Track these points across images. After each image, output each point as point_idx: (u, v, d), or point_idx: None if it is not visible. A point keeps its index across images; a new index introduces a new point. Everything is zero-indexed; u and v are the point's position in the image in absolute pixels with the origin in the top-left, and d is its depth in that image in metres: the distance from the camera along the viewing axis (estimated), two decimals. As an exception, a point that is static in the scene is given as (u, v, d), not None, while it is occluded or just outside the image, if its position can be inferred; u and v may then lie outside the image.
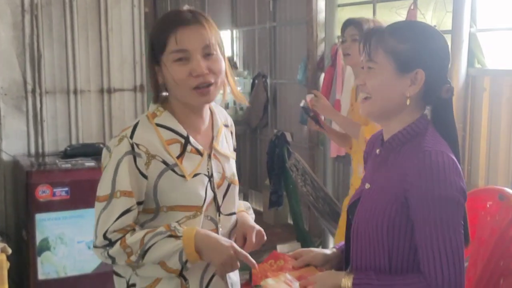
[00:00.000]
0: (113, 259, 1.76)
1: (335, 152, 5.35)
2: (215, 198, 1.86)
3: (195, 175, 1.81)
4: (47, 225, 3.81)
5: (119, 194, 1.73)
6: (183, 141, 1.81)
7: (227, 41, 7.70)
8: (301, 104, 3.35)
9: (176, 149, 1.80)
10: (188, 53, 1.77)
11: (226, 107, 6.89)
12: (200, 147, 1.84)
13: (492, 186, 3.44)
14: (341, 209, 4.35)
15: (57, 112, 4.43)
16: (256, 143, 6.81)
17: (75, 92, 4.47)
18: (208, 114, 1.91)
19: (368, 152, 1.86)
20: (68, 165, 3.95)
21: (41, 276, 3.83)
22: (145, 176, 1.76)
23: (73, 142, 4.45)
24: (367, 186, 1.73)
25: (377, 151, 1.76)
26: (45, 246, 3.83)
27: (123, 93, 4.63)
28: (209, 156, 1.87)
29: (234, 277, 1.98)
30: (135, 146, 1.75)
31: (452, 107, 1.70)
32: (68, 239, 3.86)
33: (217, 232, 1.86)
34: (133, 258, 1.73)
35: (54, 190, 3.79)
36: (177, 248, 1.73)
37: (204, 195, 1.81)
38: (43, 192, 3.79)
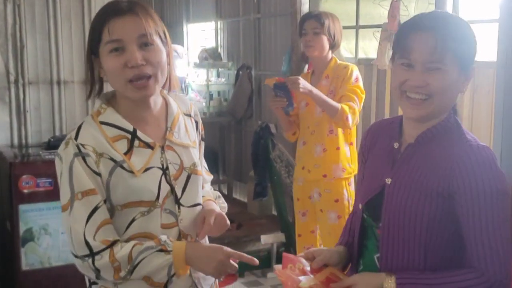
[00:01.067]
0: (98, 273, 1.70)
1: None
2: (172, 190, 1.82)
3: (146, 169, 1.76)
4: (31, 216, 3.80)
5: (81, 196, 1.69)
6: (129, 136, 1.77)
7: (211, 32, 7.68)
8: (273, 82, 3.42)
9: (123, 145, 1.75)
10: (122, 42, 1.71)
11: (211, 98, 6.89)
12: (149, 140, 1.79)
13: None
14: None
15: (40, 103, 4.41)
16: (241, 135, 6.81)
17: (58, 82, 4.45)
18: (159, 105, 1.85)
19: (370, 145, 1.84)
20: (52, 156, 3.93)
21: (25, 266, 3.83)
22: (98, 174, 1.72)
23: (57, 133, 4.44)
24: (388, 181, 1.70)
25: (395, 144, 1.74)
26: (29, 237, 3.82)
27: (106, 83, 4.60)
28: (163, 148, 1.82)
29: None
30: (80, 147, 1.71)
31: None
32: (52, 230, 3.86)
33: (177, 225, 1.82)
34: (122, 274, 1.70)
35: (38, 181, 3.79)
36: (167, 262, 1.71)
37: (157, 190, 1.77)
38: (26, 183, 3.78)
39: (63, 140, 1.77)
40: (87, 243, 1.68)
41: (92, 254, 1.68)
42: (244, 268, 4.87)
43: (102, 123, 1.76)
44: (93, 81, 1.81)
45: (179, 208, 1.83)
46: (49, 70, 4.42)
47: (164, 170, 1.80)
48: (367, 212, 1.77)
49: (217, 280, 1.97)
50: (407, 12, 4.39)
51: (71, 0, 4.44)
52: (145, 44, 1.73)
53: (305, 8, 5.50)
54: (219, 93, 7.20)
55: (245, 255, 1.80)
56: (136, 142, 1.77)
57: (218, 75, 7.26)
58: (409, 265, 1.64)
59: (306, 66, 5.55)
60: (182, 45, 8.06)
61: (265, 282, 4.81)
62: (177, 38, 8.47)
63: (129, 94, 1.75)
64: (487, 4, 3.86)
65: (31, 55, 4.35)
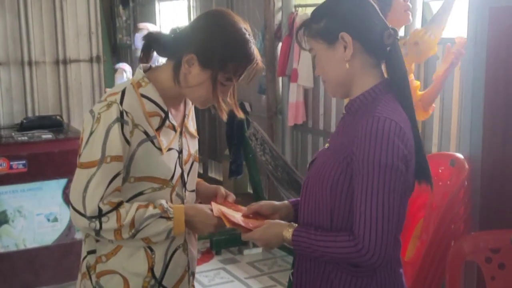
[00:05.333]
0: (99, 232, 1.75)
1: (292, 121, 5.40)
2: (182, 174, 1.91)
3: (169, 149, 1.84)
4: (5, 198, 3.78)
5: (110, 159, 1.73)
6: (163, 115, 1.83)
7: (183, 10, 7.62)
8: None
9: (155, 121, 1.82)
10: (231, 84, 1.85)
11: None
12: (175, 123, 1.88)
13: (444, 152, 3.54)
14: (300, 177, 4.41)
15: (11, 84, 4.36)
16: (215, 113, 6.80)
17: (29, 63, 4.39)
18: None
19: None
20: (25, 138, 3.91)
21: (0, 249, 3.81)
22: (129, 143, 1.76)
23: (29, 114, 4.39)
24: (327, 145, 1.81)
25: (343, 115, 1.82)
26: (3, 219, 3.80)
27: (79, 64, 4.57)
28: (181, 133, 1.91)
29: (194, 252, 2.03)
30: (124, 113, 1.75)
31: (400, 52, 1.76)
32: (27, 212, 3.84)
33: None
34: (125, 236, 1.76)
35: (11, 163, 3.75)
36: (168, 228, 1.80)
37: (173, 170, 1.85)
38: (-1, 165, 3.75)
39: (102, 101, 1.78)
40: (98, 206, 1.73)
41: (100, 215, 1.73)
42: (221, 246, 4.91)
43: (142, 95, 1.81)
44: (177, 68, 1.82)
45: (185, 191, 1.93)
46: (19, 50, 4.36)
47: (179, 153, 1.89)
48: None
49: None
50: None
51: (41, -21, 4.37)
52: None
53: (279, -14, 5.49)
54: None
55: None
56: (166, 123, 1.85)
57: (192, 54, 7.21)
58: (319, 224, 1.73)
59: (279, 44, 5.55)
60: (155, 23, 8.00)
61: (242, 259, 4.86)
62: (150, 16, 8.40)
63: (193, 103, 1.95)
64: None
65: (1, 36, 4.29)
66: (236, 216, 1.86)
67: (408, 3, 3.01)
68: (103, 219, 1.73)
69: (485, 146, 2.75)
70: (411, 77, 3.17)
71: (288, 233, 1.71)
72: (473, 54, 2.75)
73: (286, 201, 1.96)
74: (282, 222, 1.80)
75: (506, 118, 2.68)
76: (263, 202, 1.93)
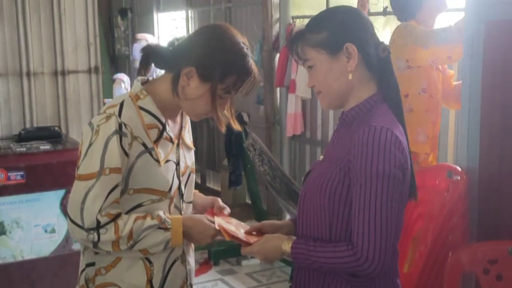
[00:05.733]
0: (97, 244, 1.76)
1: (291, 132, 5.41)
2: (179, 185, 1.92)
3: (166, 161, 1.86)
4: (3, 209, 3.76)
5: (108, 171, 1.74)
6: (161, 127, 1.85)
7: (182, 22, 7.65)
8: None
9: (153, 134, 1.83)
10: (230, 97, 1.87)
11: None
12: (172, 135, 1.89)
13: (441, 163, 3.55)
14: (298, 187, 4.41)
15: (10, 95, 4.35)
16: (213, 124, 6.82)
17: (28, 74, 4.39)
18: None
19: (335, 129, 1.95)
20: (23, 149, 3.90)
21: (-3, 260, 3.80)
22: (127, 155, 1.78)
23: (27, 125, 4.39)
24: (321, 158, 1.82)
25: (336, 126, 1.84)
26: (1, 231, 3.78)
27: (77, 75, 4.57)
28: (178, 145, 1.92)
29: (192, 263, 2.04)
30: (122, 126, 1.76)
31: (391, 66, 1.78)
32: (25, 223, 3.82)
33: None
34: (122, 247, 1.76)
35: (9, 174, 3.75)
36: (166, 239, 1.81)
37: (171, 181, 1.86)
38: (-3, 177, 3.74)
39: (101, 114, 1.80)
40: (96, 218, 1.73)
41: (98, 227, 1.74)
42: (219, 257, 4.91)
43: (141, 108, 1.82)
44: (175, 80, 1.84)
45: (182, 203, 1.95)
46: (18, 62, 4.36)
47: (177, 165, 1.90)
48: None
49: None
50: (376, 0, 4.44)
51: (40, -9, 4.38)
52: None
53: (276, -3, 5.53)
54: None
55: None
56: (164, 134, 1.86)
57: (190, 64, 7.23)
58: (317, 236, 1.73)
59: (277, 55, 5.58)
60: (153, 34, 8.02)
61: (240, 270, 4.85)
62: (148, 27, 8.42)
63: (189, 116, 1.96)
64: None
65: (0, 47, 4.30)
66: (237, 231, 1.86)
67: None
68: (101, 230, 1.74)
69: (482, 158, 2.76)
70: (445, 65, 3.18)
71: (286, 246, 1.72)
72: (470, 66, 2.76)
73: (287, 220, 1.98)
74: (281, 235, 1.80)
75: (503, 130, 2.69)
76: (265, 222, 1.94)
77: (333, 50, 1.71)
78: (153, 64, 1.93)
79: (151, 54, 1.89)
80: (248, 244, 1.80)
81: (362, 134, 1.62)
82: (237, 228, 1.89)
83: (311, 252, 1.68)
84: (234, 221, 1.97)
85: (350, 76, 1.71)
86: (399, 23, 3.24)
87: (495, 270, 2.56)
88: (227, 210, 2.03)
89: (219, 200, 2.06)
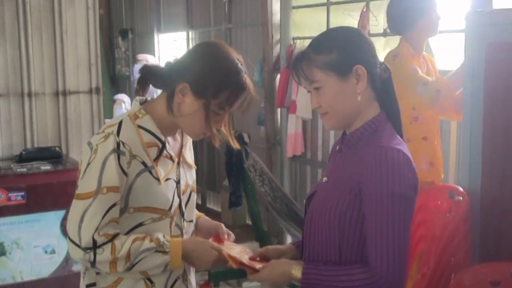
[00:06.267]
0: (94, 264, 1.76)
1: (291, 152, 5.41)
2: (180, 204, 1.92)
3: (167, 179, 1.86)
4: (3, 230, 3.75)
5: (106, 190, 1.74)
6: (160, 145, 1.85)
7: (182, 42, 7.68)
8: None
9: (153, 152, 1.83)
10: (227, 113, 1.85)
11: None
12: (173, 154, 1.89)
13: (443, 184, 3.54)
14: (299, 208, 4.40)
15: (11, 116, 4.36)
16: (214, 144, 6.81)
17: (29, 94, 4.41)
18: None
19: (333, 150, 1.93)
20: (24, 169, 3.90)
21: (-3, 282, 3.78)
22: (126, 174, 1.78)
23: (28, 145, 4.39)
24: (325, 179, 1.80)
25: (337, 147, 1.83)
26: (1, 251, 3.77)
27: (78, 95, 4.59)
28: (178, 163, 1.92)
29: (194, 282, 2.03)
30: (121, 144, 1.76)
31: (393, 85, 1.79)
32: (25, 244, 3.81)
33: (182, 238, 1.92)
34: (120, 269, 1.76)
35: (10, 194, 3.74)
36: (164, 262, 1.80)
37: (171, 200, 1.86)
38: (-2, 197, 3.74)
39: (100, 133, 1.80)
40: (93, 237, 1.73)
41: (95, 247, 1.73)
42: (220, 278, 4.87)
43: (139, 127, 1.83)
44: (170, 98, 1.84)
45: (183, 221, 1.94)
46: (19, 82, 4.37)
47: (177, 183, 1.90)
48: (308, 208, 1.86)
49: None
50: (377, 22, 4.46)
51: (42, 11, 4.40)
52: None
53: (277, 18, 5.56)
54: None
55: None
56: (164, 152, 1.86)
57: (190, 85, 7.25)
58: (326, 258, 1.72)
59: (278, 76, 5.59)
60: (153, 55, 8.06)
61: (240, 291, 4.83)
62: (149, 47, 8.46)
63: (187, 134, 1.94)
64: (454, 15, 3.94)
65: (1, 67, 4.31)
66: (241, 258, 1.84)
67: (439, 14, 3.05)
68: (98, 250, 1.74)
69: (484, 179, 2.76)
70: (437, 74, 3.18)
71: (296, 271, 1.70)
72: (471, 88, 2.77)
73: (289, 244, 1.97)
74: (288, 260, 1.79)
75: (504, 151, 2.70)
76: (269, 247, 1.93)
77: (342, 72, 1.69)
78: (151, 86, 1.95)
79: (149, 74, 1.91)
80: (255, 270, 1.78)
81: (374, 155, 1.62)
82: (241, 254, 1.88)
83: (324, 276, 1.67)
84: (238, 247, 1.95)
85: (359, 98, 1.70)
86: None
87: (498, 292, 2.55)
88: (232, 236, 2.02)
89: (223, 226, 2.04)
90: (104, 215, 1.74)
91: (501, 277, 2.57)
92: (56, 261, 3.89)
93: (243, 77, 1.82)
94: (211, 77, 1.78)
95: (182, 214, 1.94)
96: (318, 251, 1.74)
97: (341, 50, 1.70)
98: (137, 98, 1.91)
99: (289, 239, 5.13)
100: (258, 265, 1.81)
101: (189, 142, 2.03)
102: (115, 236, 1.76)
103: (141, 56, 7.24)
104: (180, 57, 1.91)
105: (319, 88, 1.73)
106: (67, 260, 3.89)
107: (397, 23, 3.13)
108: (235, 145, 1.95)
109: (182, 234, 1.93)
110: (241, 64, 1.84)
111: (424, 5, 3.04)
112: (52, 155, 4.20)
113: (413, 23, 3.04)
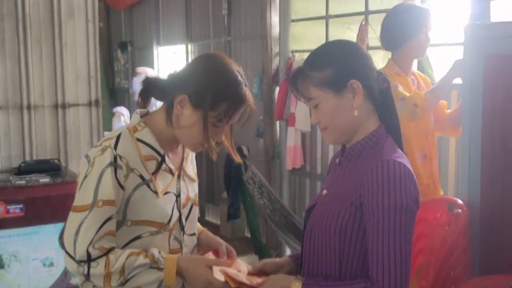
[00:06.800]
0: (88, 277, 1.76)
1: (290, 165, 5.41)
2: (180, 218, 1.91)
3: (166, 193, 1.85)
4: (1, 243, 3.74)
5: (101, 204, 1.74)
6: (159, 159, 1.85)
7: (182, 55, 7.71)
8: None
9: (152, 165, 1.83)
10: (225, 124, 1.84)
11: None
12: (172, 167, 1.89)
13: (442, 196, 3.54)
14: (298, 221, 4.39)
15: (10, 128, 4.37)
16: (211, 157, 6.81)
17: (28, 107, 4.41)
18: None
19: (332, 163, 1.93)
20: (23, 182, 3.90)
21: (-6, 295, 3.76)
22: (122, 188, 1.77)
23: (27, 158, 4.39)
24: (324, 192, 1.80)
25: (337, 160, 1.84)
26: (-1, 264, 3.77)
27: (77, 108, 4.59)
28: (178, 176, 1.92)
29: None
30: (117, 158, 1.76)
31: (392, 96, 1.79)
32: (23, 256, 3.80)
33: (180, 252, 1.91)
34: (113, 284, 1.75)
35: (8, 207, 3.73)
36: (158, 279, 1.79)
37: (170, 213, 1.85)
38: (-4, 210, 3.73)
39: (97, 146, 1.80)
40: (87, 250, 1.73)
41: (89, 260, 1.73)
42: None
43: (138, 140, 1.83)
44: (169, 109, 1.85)
45: (183, 235, 1.93)
46: (19, 94, 4.38)
47: (177, 197, 1.90)
48: (307, 221, 1.85)
49: None
50: (375, 35, 4.47)
51: (42, 25, 4.42)
52: None
53: (276, 31, 5.58)
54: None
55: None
56: (163, 166, 1.86)
57: (190, 98, 7.26)
58: (326, 272, 1.71)
59: (277, 88, 5.61)
60: (153, 68, 8.08)
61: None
62: (148, 60, 8.48)
63: (186, 146, 1.93)
64: (452, 27, 3.96)
65: (1, 80, 4.32)
66: (240, 275, 1.83)
67: (429, 37, 3.08)
68: (92, 264, 1.73)
69: (484, 192, 2.76)
70: None
71: (296, 286, 1.68)
72: (469, 100, 2.78)
73: (286, 257, 1.96)
74: (286, 275, 1.78)
75: (504, 163, 2.69)
76: (266, 260, 1.92)
77: (337, 88, 1.70)
78: (153, 98, 1.94)
79: (150, 86, 1.91)
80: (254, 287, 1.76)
81: (375, 168, 1.62)
82: (239, 273, 1.86)
83: None
84: (236, 263, 1.94)
85: (355, 112, 1.71)
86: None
87: (498, 305, 2.54)
88: (233, 253, 2.01)
89: (223, 246, 2.02)
90: (99, 228, 1.74)
91: (501, 290, 2.56)
92: (54, 274, 3.87)
93: (242, 89, 1.82)
94: (209, 89, 1.78)
95: (182, 228, 1.93)
96: (318, 264, 1.74)
97: (336, 66, 1.71)
98: (138, 110, 1.92)
99: (288, 252, 5.12)
100: (256, 280, 1.79)
101: (190, 155, 2.03)
102: (110, 250, 1.75)
103: (140, 69, 7.26)
104: (181, 68, 1.91)
105: (317, 105, 1.74)
106: (66, 273, 3.88)
107: (386, 41, 3.18)
108: (237, 158, 1.95)
109: (181, 248, 1.92)
110: (241, 77, 1.83)
111: (414, 27, 3.07)
112: (51, 167, 4.20)
113: (401, 43, 3.09)
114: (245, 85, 1.83)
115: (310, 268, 1.76)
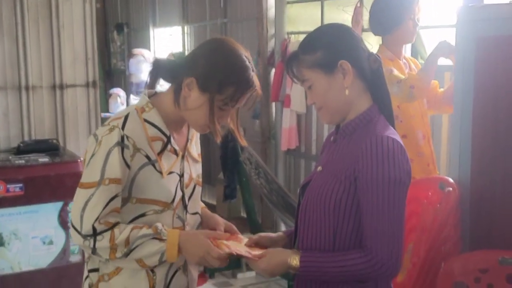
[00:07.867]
0: (95, 250, 1.81)
1: (285, 146, 5.46)
2: (183, 197, 1.96)
3: (170, 173, 1.90)
4: (1, 221, 3.79)
5: (108, 182, 1.79)
6: (165, 139, 1.89)
7: (178, 37, 7.71)
8: None
9: (157, 146, 1.88)
10: (232, 108, 1.88)
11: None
12: (177, 148, 1.93)
13: (433, 175, 3.61)
14: (294, 200, 4.45)
15: (8, 109, 4.40)
16: (209, 138, 6.84)
17: (26, 88, 4.44)
18: None
19: (326, 141, 1.99)
20: (22, 161, 3.94)
21: (-5, 272, 3.82)
22: (128, 167, 1.82)
23: (26, 138, 4.43)
24: (319, 169, 1.85)
25: (331, 138, 1.89)
26: (-1, 242, 3.82)
27: (75, 89, 4.62)
28: (182, 157, 1.96)
29: (195, 274, 2.07)
30: (125, 138, 1.81)
31: (383, 75, 1.85)
32: (23, 235, 3.85)
33: (183, 230, 1.95)
34: (118, 255, 1.80)
35: (8, 186, 3.78)
36: (161, 250, 1.82)
37: (174, 193, 1.90)
38: (-4, 189, 3.77)
39: (106, 125, 1.84)
40: (93, 225, 1.78)
41: (95, 234, 1.79)
42: (215, 269, 4.93)
43: (145, 120, 1.87)
44: (178, 90, 1.89)
45: (186, 214, 1.98)
46: (17, 75, 4.40)
47: (180, 177, 1.94)
48: (301, 197, 1.91)
49: None
50: (370, 17, 4.50)
51: (39, 5, 4.43)
52: None
53: (271, 12, 5.61)
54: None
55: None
56: (168, 147, 1.90)
57: (186, 79, 7.28)
58: (320, 246, 1.77)
59: (273, 70, 5.64)
60: (149, 49, 8.08)
61: (235, 283, 4.88)
62: (144, 42, 8.48)
63: (192, 127, 1.98)
64: (444, 10, 4.00)
65: (-1, 60, 4.35)
66: (239, 247, 1.89)
67: (417, 22, 3.12)
68: (98, 237, 1.79)
69: (474, 170, 2.81)
70: None
71: (294, 260, 1.74)
72: (461, 81, 2.82)
73: (280, 233, 2.01)
74: (283, 249, 1.83)
75: (494, 144, 2.75)
76: (262, 234, 1.98)
77: (328, 68, 1.77)
78: (162, 78, 1.99)
79: (159, 68, 1.95)
80: (253, 259, 1.81)
81: (370, 143, 1.69)
82: (238, 244, 1.92)
83: (322, 263, 1.71)
84: (237, 237, 2.00)
85: (347, 92, 1.77)
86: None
87: (486, 279, 2.61)
88: (234, 229, 2.06)
89: (222, 226, 2.06)
90: (106, 205, 1.79)
91: (489, 264, 2.63)
92: (53, 251, 3.93)
93: (250, 74, 1.85)
94: (217, 72, 1.82)
95: (185, 207, 1.97)
96: (312, 238, 1.79)
97: (326, 48, 1.78)
98: (146, 91, 1.96)
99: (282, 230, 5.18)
100: (254, 252, 1.85)
101: (195, 136, 2.07)
102: (115, 224, 1.81)
103: (136, 51, 7.26)
104: (191, 51, 1.95)
105: (310, 87, 1.81)
106: (65, 251, 3.94)
107: (375, 27, 3.22)
108: (243, 142, 2.00)
109: (184, 226, 1.96)
110: (249, 62, 1.87)
111: (401, 14, 3.11)
112: (50, 147, 4.23)
113: (390, 30, 3.13)
114: (253, 70, 1.87)
115: (305, 242, 1.81)
